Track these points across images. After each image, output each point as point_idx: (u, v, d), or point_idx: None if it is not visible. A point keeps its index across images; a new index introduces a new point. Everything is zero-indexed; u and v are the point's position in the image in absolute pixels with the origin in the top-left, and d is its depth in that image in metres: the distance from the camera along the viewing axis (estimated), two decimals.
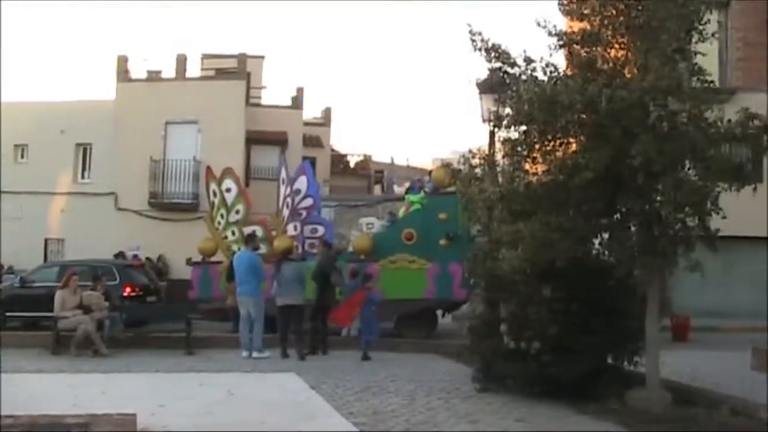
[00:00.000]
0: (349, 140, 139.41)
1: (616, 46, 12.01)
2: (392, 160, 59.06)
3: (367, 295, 17.91)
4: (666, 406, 11.70)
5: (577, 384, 12.17)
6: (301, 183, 22.55)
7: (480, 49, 12.14)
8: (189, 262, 23.31)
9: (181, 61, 35.12)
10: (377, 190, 49.24)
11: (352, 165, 52.07)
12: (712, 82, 12.33)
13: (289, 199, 22.41)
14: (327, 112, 45.52)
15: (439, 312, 22.09)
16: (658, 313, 12.21)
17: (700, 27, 11.96)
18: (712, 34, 12.12)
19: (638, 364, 12.93)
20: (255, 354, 17.59)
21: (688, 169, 11.70)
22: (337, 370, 15.76)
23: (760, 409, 11.54)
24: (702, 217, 11.47)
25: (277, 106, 39.06)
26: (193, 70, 36.24)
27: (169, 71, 35.31)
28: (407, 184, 33.32)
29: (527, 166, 11.75)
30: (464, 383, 13.96)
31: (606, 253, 12.37)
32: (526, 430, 10.88)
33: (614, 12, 11.93)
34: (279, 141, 36.46)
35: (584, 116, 10.87)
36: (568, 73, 12.05)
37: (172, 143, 34.07)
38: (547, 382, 12.34)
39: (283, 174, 23.47)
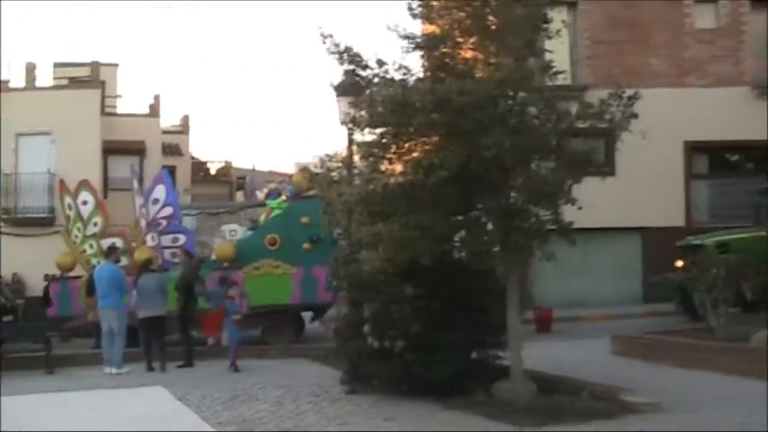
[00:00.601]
0: (210, 147, 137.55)
1: (465, 47, 12.21)
2: (254, 166, 58.67)
3: (226, 304, 17.66)
4: (531, 396, 11.95)
5: (445, 380, 12.31)
6: (160, 192, 22.11)
7: (332, 52, 12.17)
8: (47, 278, 22.59)
9: (31, 70, 34.06)
10: (240, 196, 48.85)
11: (213, 172, 51.54)
12: (562, 72, 12.67)
13: (144, 209, 21.96)
14: (185, 120, 44.91)
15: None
16: (521, 305, 12.48)
17: (545, 26, 12.28)
18: (557, 32, 12.45)
19: (503, 356, 13.18)
20: (114, 369, 17.14)
21: (541, 162, 12.01)
22: (204, 380, 15.54)
23: (618, 392, 11.97)
24: (555, 209, 11.78)
25: (133, 115, 38.25)
26: (44, 79, 35.16)
27: (18, 81, 34.15)
28: (266, 190, 33.17)
29: (385, 168, 11.82)
30: (333, 386, 13.95)
31: (466, 249, 12.55)
32: (395, 429, 10.96)
33: (463, 14, 12.14)
34: (137, 150, 35.74)
35: (437, 116, 10.99)
36: (422, 74, 12.20)
37: (24, 156, 32.90)
38: (413, 380, 12.45)
39: (136, 184, 23.01)
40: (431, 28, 12.65)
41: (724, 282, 15.53)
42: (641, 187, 24.95)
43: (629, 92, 11.72)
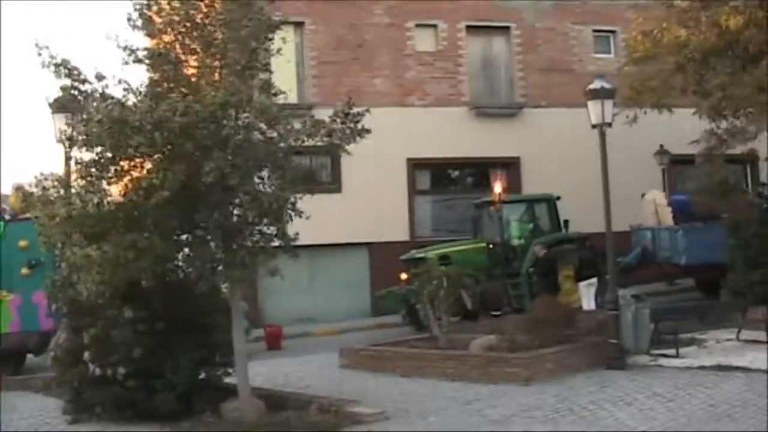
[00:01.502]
0: None
1: (187, 63, 12.07)
2: None
3: None
4: (259, 414, 11.96)
5: (171, 403, 12.06)
6: None
7: (48, 65, 11.64)
8: None
9: None
10: None
11: None
12: (284, 93, 12.77)
13: None
14: None
15: None
16: (250, 323, 12.47)
17: (267, 45, 12.36)
18: (278, 50, 12.57)
19: (231, 375, 13.08)
20: None
21: (266, 179, 12.05)
22: None
23: (345, 404, 12.21)
24: (280, 226, 11.85)
25: None
26: None
27: None
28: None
29: (103, 187, 11.39)
30: (55, 417, 13.32)
31: (188, 269, 12.36)
32: None
33: (185, 30, 11.99)
34: None
35: (157, 136, 10.74)
36: (145, 89, 11.91)
37: None
38: (138, 405, 12.12)
39: None
40: (154, 42, 12.40)
41: (445, 292, 16.17)
42: (367, 202, 25.59)
43: (356, 109, 12.05)
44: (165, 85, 11.94)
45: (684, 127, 22.21)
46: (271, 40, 12.44)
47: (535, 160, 27.35)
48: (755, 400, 11.33)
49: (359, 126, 12.06)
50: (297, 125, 12.06)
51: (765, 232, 18.49)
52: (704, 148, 21.79)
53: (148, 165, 11.40)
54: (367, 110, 12.18)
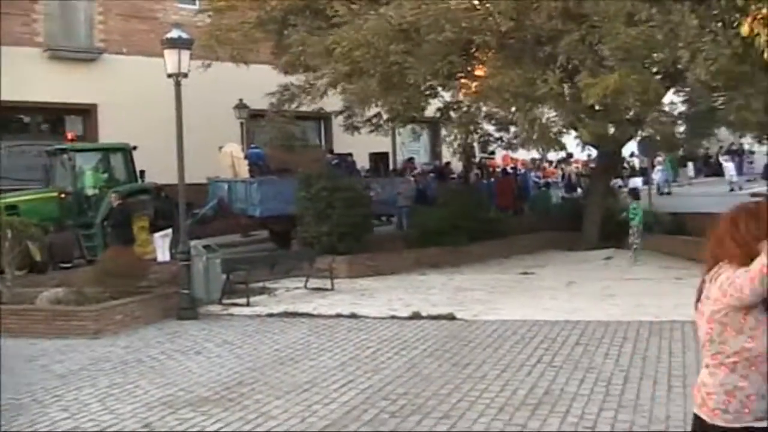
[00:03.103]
0: None
1: None
2: None
3: None
4: None
5: None
6: None
7: None
8: None
9: None
10: None
11: None
12: None
13: None
14: None
15: None
16: None
17: None
18: None
19: None
20: None
21: None
22: None
23: None
24: None
25: None
26: None
27: None
28: None
29: None
30: None
31: None
32: None
33: None
34: None
35: None
36: None
37: None
38: None
39: None
40: None
41: (10, 244, 15.34)
42: None
43: None
44: None
45: (263, 83, 22.81)
46: None
47: (113, 108, 26.57)
48: (317, 342, 12.06)
49: None
50: None
51: (332, 186, 19.57)
52: (276, 102, 22.64)
53: None
54: None
